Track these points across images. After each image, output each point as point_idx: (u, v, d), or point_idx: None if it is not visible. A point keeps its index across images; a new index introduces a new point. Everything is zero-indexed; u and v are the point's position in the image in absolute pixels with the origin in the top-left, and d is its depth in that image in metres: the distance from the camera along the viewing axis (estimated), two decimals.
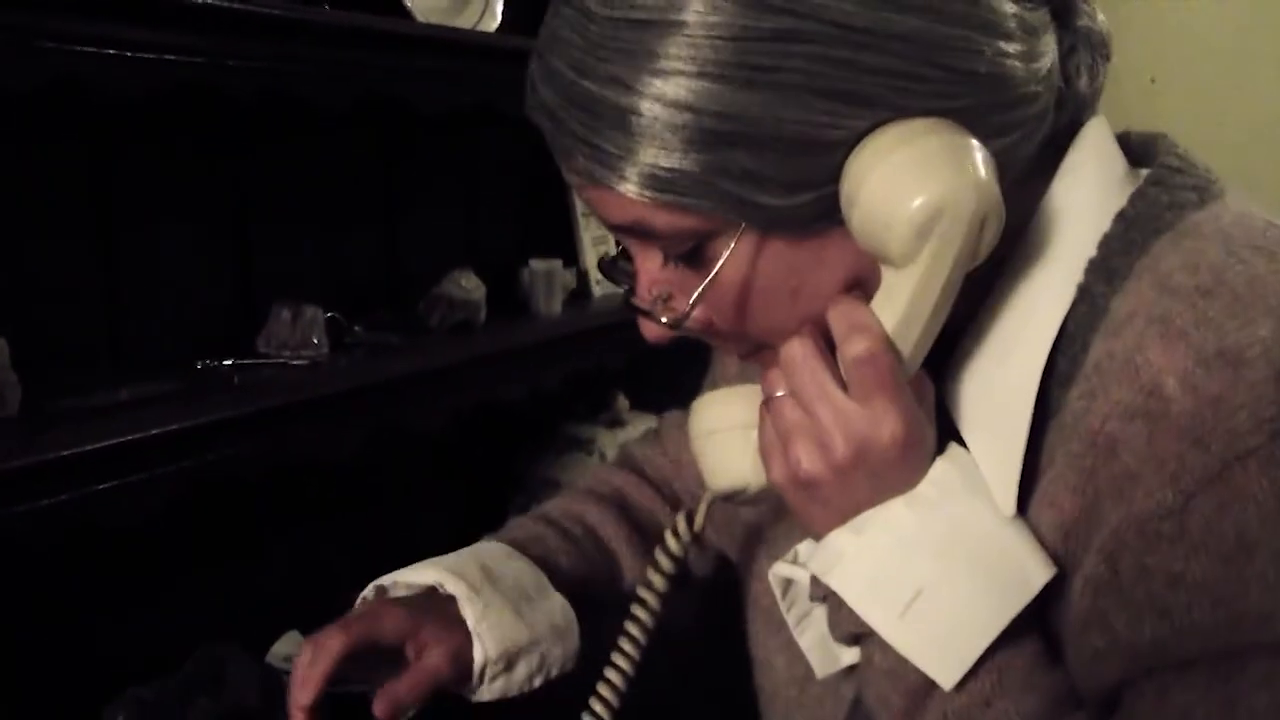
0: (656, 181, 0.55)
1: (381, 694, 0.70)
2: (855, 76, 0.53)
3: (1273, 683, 0.52)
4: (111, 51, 1.05)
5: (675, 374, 1.08)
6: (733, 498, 0.66)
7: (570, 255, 1.88)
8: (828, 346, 0.58)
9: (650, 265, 0.62)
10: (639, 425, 1.87)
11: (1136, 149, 0.66)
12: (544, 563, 0.81)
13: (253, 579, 1.49)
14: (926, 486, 0.58)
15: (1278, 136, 2.46)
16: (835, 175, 0.55)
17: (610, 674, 0.70)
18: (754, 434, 0.62)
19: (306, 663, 0.69)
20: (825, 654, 0.66)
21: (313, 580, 1.52)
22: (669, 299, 0.62)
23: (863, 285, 0.59)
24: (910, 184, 0.53)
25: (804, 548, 0.66)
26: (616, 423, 1.90)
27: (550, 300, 1.76)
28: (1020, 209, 0.60)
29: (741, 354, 0.66)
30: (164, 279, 1.37)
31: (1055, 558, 0.57)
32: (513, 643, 0.73)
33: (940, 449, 0.59)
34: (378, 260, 1.68)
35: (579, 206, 1.91)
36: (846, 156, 0.54)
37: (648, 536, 0.88)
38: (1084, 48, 0.62)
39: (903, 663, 0.57)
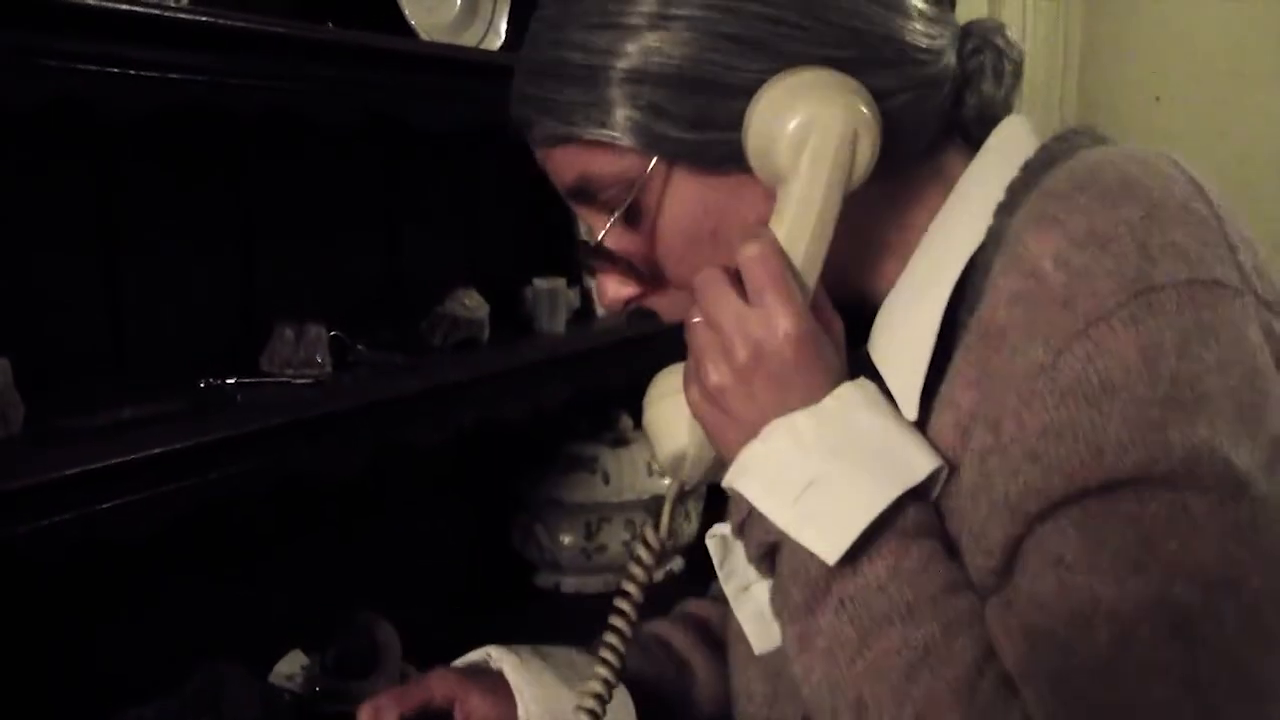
0: (578, 113, 0.65)
1: None
2: (746, 22, 0.62)
3: (1138, 522, 0.54)
4: (115, 70, 1.05)
5: None
6: (677, 471, 0.71)
7: (573, 274, 1.87)
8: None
9: (601, 230, 0.70)
10: (642, 444, 1.86)
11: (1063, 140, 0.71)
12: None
13: (255, 597, 1.48)
14: (830, 400, 0.62)
15: None
16: (739, 122, 0.63)
17: (594, 684, 0.72)
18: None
19: None
20: (762, 628, 0.69)
21: (315, 599, 1.52)
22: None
23: None
24: (786, 107, 0.62)
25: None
26: (620, 441, 1.89)
27: (553, 319, 1.76)
28: (937, 191, 0.68)
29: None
30: (167, 297, 1.37)
31: (954, 453, 0.61)
32: (559, 708, 0.76)
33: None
34: (381, 279, 1.68)
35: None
36: (748, 105, 0.63)
37: (721, 645, 0.88)
38: (990, 53, 0.69)
39: (802, 562, 0.60)
